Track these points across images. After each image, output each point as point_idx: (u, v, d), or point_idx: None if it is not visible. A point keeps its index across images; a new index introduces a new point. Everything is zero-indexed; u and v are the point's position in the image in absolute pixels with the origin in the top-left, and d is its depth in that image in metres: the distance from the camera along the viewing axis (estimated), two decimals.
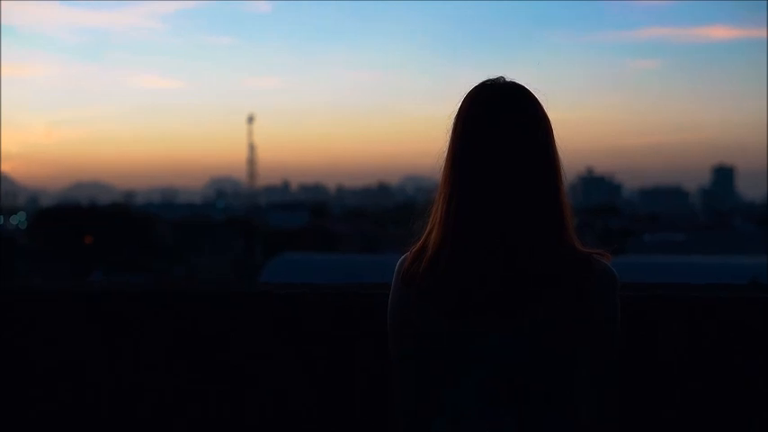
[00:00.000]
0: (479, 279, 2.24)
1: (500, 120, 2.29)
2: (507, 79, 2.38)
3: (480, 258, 2.24)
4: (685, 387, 2.71)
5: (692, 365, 2.71)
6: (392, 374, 2.42)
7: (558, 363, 2.26)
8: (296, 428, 2.90)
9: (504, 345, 2.25)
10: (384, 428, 2.81)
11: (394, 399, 2.43)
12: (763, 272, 21.38)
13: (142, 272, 43.79)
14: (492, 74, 2.41)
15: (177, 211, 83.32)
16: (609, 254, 2.33)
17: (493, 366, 2.28)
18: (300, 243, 51.02)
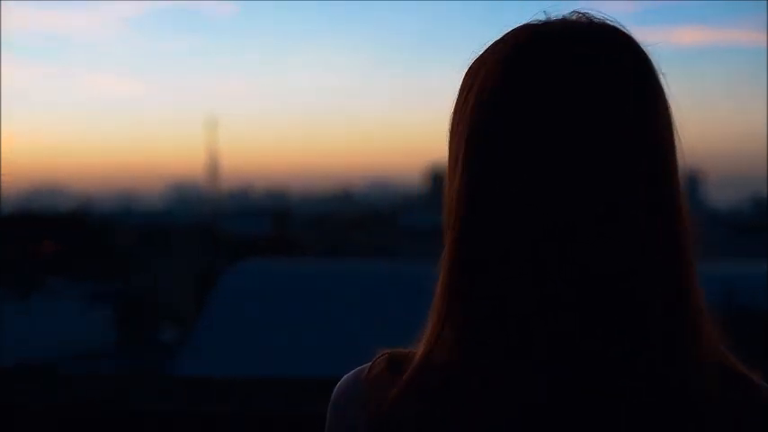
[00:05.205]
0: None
1: (584, 92, 1.08)
2: (589, 15, 1.15)
3: (550, 385, 1.07)
4: None
5: None
6: None
7: None
8: None
9: None
10: None
11: None
12: (737, 281, 21.12)
13: (102, 280, 43.11)
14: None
15: (137, 217, 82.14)
16: None
17: None
18: (263, 249, 50.29)
